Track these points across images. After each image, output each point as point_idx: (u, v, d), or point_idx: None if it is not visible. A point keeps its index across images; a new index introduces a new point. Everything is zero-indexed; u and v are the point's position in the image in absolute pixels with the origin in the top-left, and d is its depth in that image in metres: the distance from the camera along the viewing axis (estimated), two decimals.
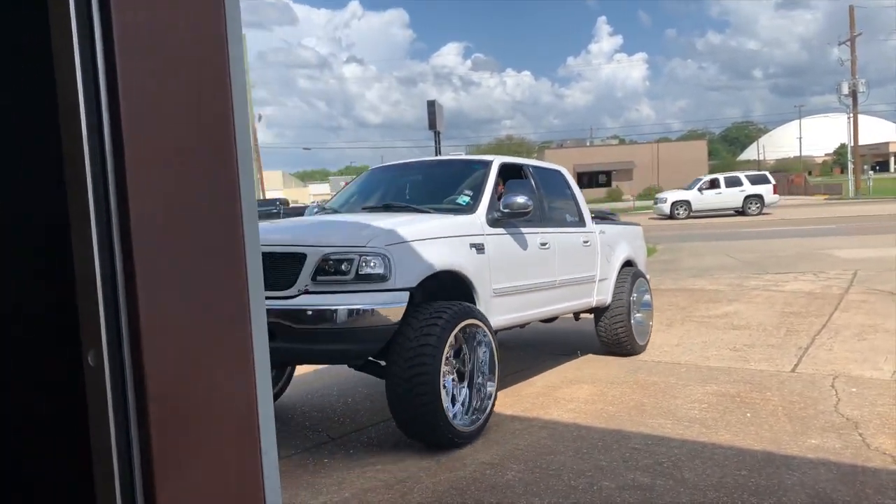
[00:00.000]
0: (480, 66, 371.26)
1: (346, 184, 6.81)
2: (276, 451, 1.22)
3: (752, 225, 25.67)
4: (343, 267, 4.11)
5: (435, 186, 5.99)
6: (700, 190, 32.79)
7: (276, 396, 5.64)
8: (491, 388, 4.69)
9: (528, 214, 5.27)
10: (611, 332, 6.69)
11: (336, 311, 3.99)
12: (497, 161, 5.78)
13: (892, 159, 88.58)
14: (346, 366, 4.94)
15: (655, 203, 34.41)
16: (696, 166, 66.75)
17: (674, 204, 32.64)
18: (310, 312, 4.01)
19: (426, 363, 4.02)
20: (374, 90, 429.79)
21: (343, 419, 5.21)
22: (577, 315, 6.94)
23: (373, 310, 4.05)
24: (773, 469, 3.75)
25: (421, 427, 4.17)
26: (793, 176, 60.21)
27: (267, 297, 3.26)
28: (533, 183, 5.93)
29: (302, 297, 4.08)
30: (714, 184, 33.05)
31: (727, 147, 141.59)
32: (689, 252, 16.88)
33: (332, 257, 4.13)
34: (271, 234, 4.71)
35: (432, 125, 52.22)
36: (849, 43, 44.70)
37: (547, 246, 5.75)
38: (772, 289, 10.54)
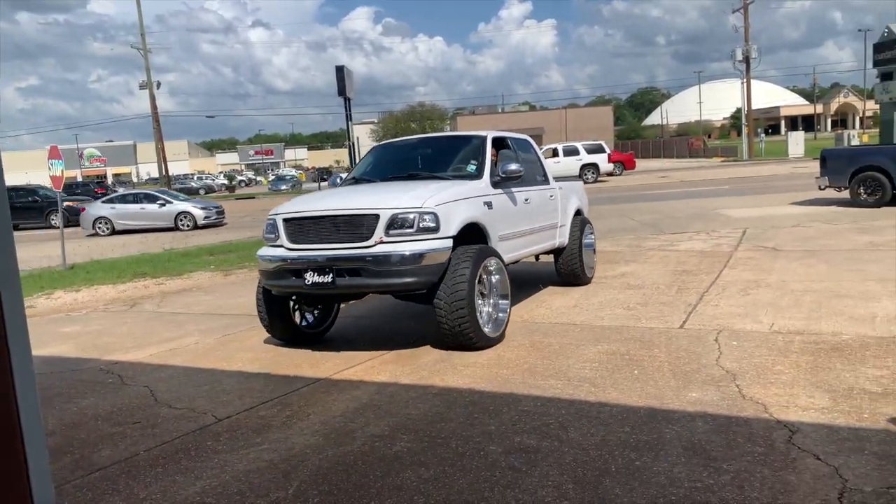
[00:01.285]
0: (392, 31, 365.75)
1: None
2: (45, 451, 1.06)
3: (653, 188, 26.58)
4: (407, 223, 5.56)
5: (443, 158, 7.39)
6: None
7: (325, 330, 6.80)
8: (505, 304, 6.18)
9: (520, 178, 6.80)
10: (568, 267, 8.28)
11: (407, 253, 5.46)
12: (490, 135, 7.26)
13: (782, 122, 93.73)
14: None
15: None
16: (603, 131, 68.60)
17: None
18: (388, 255, 5.47)
19: (464, 289, 5.50)
20: (283, 56, 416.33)
21: (231, 399, 5.01)
22: (537, 257, 8.20)
23: (431, 251, 5.53)
24: (654, 424, 3.85)
25: (462, 336, 5.60)
26: (692, 139, 62.75)
27: (351, 247, 5.54)
28: (514, 151, 7.32)
29: (378, 245, 5.53)
30: (554, 153, 34.21)
31: (633, 112, 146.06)
32: (593, 215, 17.28)
33: (400, 216, 5.57)
34: (349, 199, 6.02)
35: (342, 91, 50.84)
36: (742, 10, 46.58)
37: (528, 201, 7.25)
38: (667, 248, 10.92)
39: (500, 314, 6.10)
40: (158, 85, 46.93)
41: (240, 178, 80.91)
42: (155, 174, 63.09)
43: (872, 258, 8.73)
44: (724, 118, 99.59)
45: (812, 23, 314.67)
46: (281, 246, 6.01)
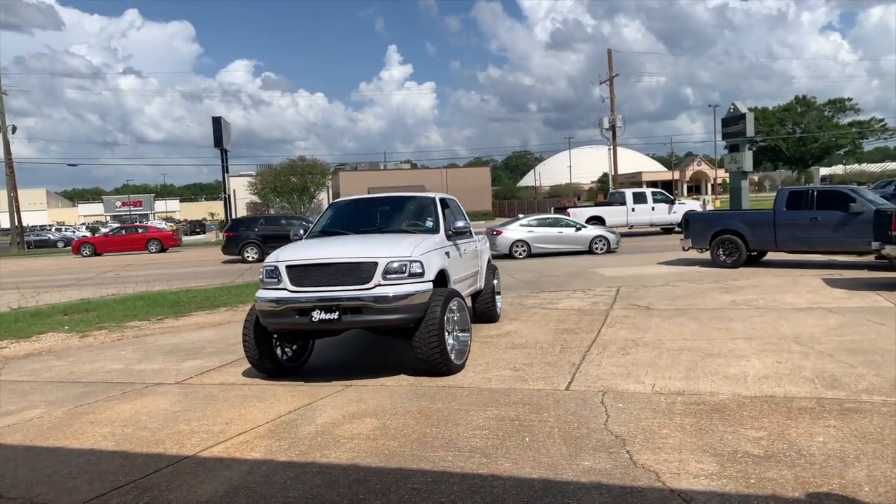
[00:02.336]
0: (271, 85, 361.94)
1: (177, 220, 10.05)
2: None
3: None
4: (401, 269, 6.61)
5: (400, 214, 8.57)
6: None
7: (303, 364, 7.51)
8: (465, 336, 7.36)
9: (466, 232, 8.49)
10: (484, 307, 9.72)
11: (402, 293, 6.52)
12: (438, 196, 8.63)
13: (644, 186, 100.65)
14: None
15: None
16: (482, 191, 70.80)
17: None
18: (386, 295, 6.49)
19: (436, 325, 6.54)
20: (155, 105, 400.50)
21: (79, 484, 4.36)
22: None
23: (419, 292, 6.61)
24: (549, 499, 3.68)
25: (434, 364, 6.66)
26: (564, 200, 65.89)
27: (354, 289, 6.42)
28: (454, 210, 9.00)
29: (377, 287, 6.53)
30: None
31: (508, 174, 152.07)
32: None
33: (395, 263, 6.62)
34: (344, 248, 7.02)
35: (218, 142, 49.55)
36: (608, 83, 50.10)
37: (466, 251, 8.64)
38: (548, 307, 11.08)
39: (462, 345, 7.24)
40: (14, 129, 43.59)
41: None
42: (6, 224, 57.90)
43: (736, 316, 9.23)
44: (593, 182, 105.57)
45: (667, 97, 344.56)
46: (284, 289, 6.72)
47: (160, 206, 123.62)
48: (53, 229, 69.43)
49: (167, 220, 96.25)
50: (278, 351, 7.21)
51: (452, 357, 6.86)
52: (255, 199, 60.01)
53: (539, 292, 12.93)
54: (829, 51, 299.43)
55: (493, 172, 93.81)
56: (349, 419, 5.49)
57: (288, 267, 6.78)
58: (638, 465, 4.12)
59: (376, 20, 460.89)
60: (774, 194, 15.97)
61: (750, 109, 34.47)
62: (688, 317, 9.43)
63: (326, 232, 8.22)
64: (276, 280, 6.80)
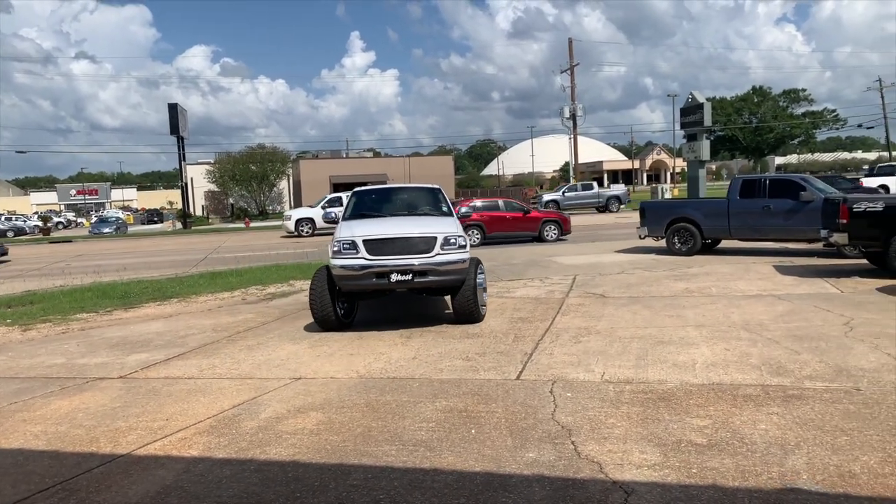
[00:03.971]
0: (230, 71, 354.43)
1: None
2: None
3: None
4: (452, 241, 8.53)
5: (420, 200, 10.41)
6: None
7: (352, 321, 9.17)
8: (485, 295, 9.40)
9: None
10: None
11: (456, 259, 8.45)
12: (439, 187, 10.71)
13: (605, 175, 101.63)
14: None
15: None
16: (445, 180, 70.53)
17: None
18: (446, 261, 8.39)
19: (472, 285, 8.61)
20: (111, 91, 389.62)
21: (2, 487, 4.15)
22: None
23: (466, 259, 8.58)
24: (490, 493, 3.62)
25: (472, 315, 8.71)
26: (526, 189, 66.14)
27: (420, 258, 8.36)
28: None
29: (437, 256, 8.37)
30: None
31: (472, 162, 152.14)
32: None
33: (449, 237, 8.53)
34: (410, 227, 8.73)
35: (174, 130, 48.56)
36: (569, 72, 50.29)
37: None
38: (504, 295, 11.05)
39: (483, 300, 9.17)
40: None
41: (57, 219, 73.62)
42: None
43: (689, 304, 9.32)
44: (555, 170, 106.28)
45: (627, 87, 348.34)
46: (362, 258, 8.40)
47: (117, 194, 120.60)
48: (3, 218, 67.18)
49: (124, 208, 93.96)
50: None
51: (482, 309, 8.98)
52: (213, 187, 58.85)
53: (496, 281, 12.88)
54: (784, 42, 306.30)
55: (456, 161, 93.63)
56: (294, 413, 5.35)
57: (365, 241, 8.46)
58: (582, 456, 4.09)
59: (337, 5, 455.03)
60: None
61: (708, 99, 34.95)
62: (641, 304, 9.48)
63: (364, 214, 9.81)
64: (354, 251, 8.45)
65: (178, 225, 50.07)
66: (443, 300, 10.46)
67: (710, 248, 15.98)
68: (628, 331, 7.80)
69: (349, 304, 9.10)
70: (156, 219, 65.07)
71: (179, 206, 53.82)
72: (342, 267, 8.44)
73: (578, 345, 7.24)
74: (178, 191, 53.60)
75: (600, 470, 3.85)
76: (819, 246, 14.30)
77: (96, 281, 15.81)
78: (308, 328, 9.12)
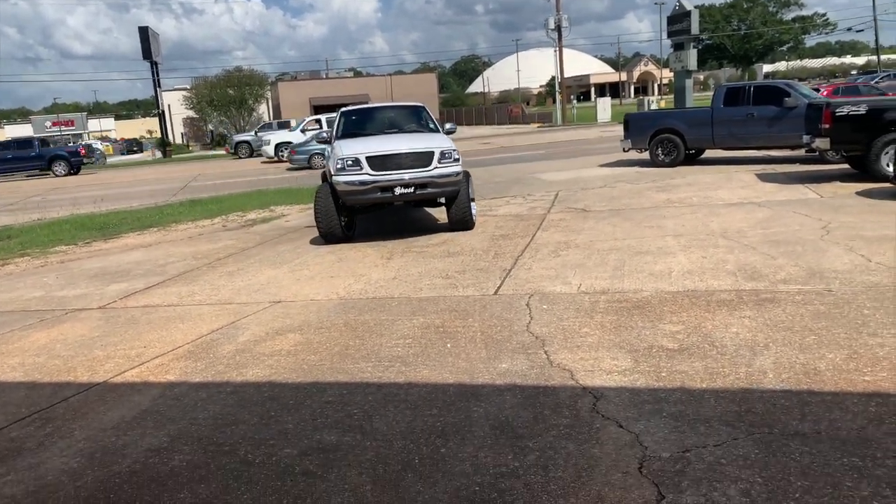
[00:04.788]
0: None
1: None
2: None
3: (476, 153, 27.08)
4: (449, 156, 9.11)
5: (408, 118, 10.84)
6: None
7: (353, 235, 9.70)
8: (474, 204, 9.88)
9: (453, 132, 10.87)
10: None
11: (454, 173, 9.09)
12: (425, 105, 11.19)
13: (592, 89, 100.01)
14: None
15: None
16: (429, 99, 69.07)
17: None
18: (444, 174, 9.03)
19: (465, 194, 9.32)
20: (79, 16, 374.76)
21: None
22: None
23: (461, 171, 9.26)
24: (463, 403, 3.66)
25: (466, 222, 9.43)
26: (512, 106, 65.03)
27: (420, 171, 8.97)
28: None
29: (435, 169, 9.01)
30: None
31: (457, 80, 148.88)
32: None
33: (445, 152, 9.11)
34: (409, 144, 9.30)
35: (147, 55, 47.00)
36: None
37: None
38: (487, 213, 10.99)
39: (473, 208, 9.74)
40: None
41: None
42: None
43: (669, 214, 9.31)
44: (541, 86, 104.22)
45: None
46: (366, 174, 8.91)
47: (94, 125, 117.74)
48: None
49: (102, 139, 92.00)
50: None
51: (474, 216, 9.67)
52: (191, 113, 57.51)
53: (479, 199, 12.77)
54: None
55: (441, 79, 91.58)
56: (272, 336, 5.37)
57: (368, 157, 8.95)
58: (554, 364, 4.13)
59: None
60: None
61: (695, 6, 34.01)
62: (622, 217, 9.46)
63: (356, 133, 10.19)
64: (357, 168, 8.93)
65: (158, 154, 49.20)
66: (425, 215, 10.41)
67: (693, 159, 15.87)
68: (607, 243, 7.80)
69: (349, 218, 9.62)
70: (135, 148, 63.84)
71: (158, 134, 52.74)
72: (347, 183, 8.95)
73: (557, 259, 7.25)
74: (157, 119, 52.42)
75: (571, 377, 3.89)
76: (802, 152, 14.23)
77: (74, 213, 15.61)
78: (289, 252, 9.08)
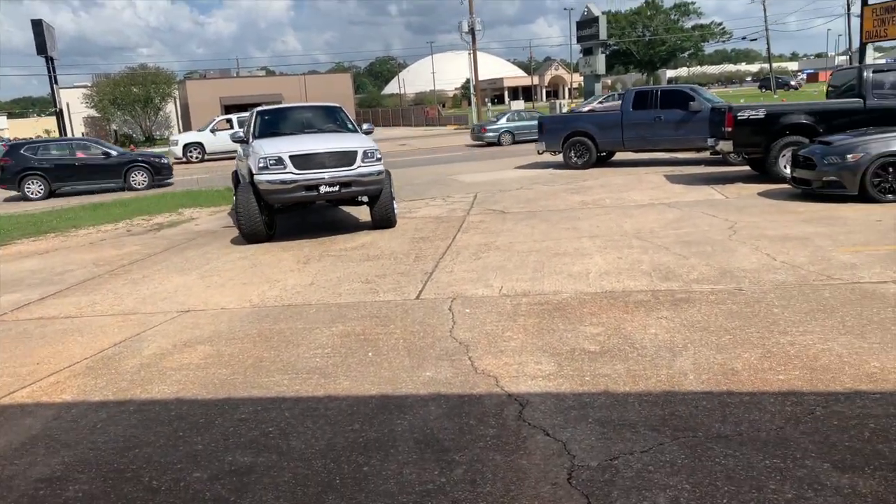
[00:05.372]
0: None
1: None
2: None
3: (393, 155, 26.91)
4: (371, 154, 9.23)
5: (326, 118, 10.84)
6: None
7: (273, 234, 9.55)
8: (395, 202, 10.02)
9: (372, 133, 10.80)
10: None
11: (375, 170, 9.19)
12: (342, 106, 11.28)
13: (506, 92, 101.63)
14: None
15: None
16: (344, 99, 68.10)
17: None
18: (368, 173, 9.14)
19: (388, 192, 9.51)
20: None
21: None
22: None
23: (383, 170, 9.35)
24: (385, 416, 3.52)
25: (390, 220, 9.65)
26: (428, 108, 65.17)
27: (344, 171, 9.02)
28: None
29: (359, 168, 9.09)
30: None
31: (373, 81, 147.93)
32: None
33: (368, 151, 9.23)
34: (332, 143, 9.35)
35: (41, 49, 43.86)
36: None
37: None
38: (406, 216, 10.86)
39: (395, 207, 9.92)
40: None
41: None
42: None
43: (584, 216, 9.47)
44: (456, 88, 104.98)
45: (525, 1, 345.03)
46: (290, 173, 8.86)
47: None
48: None
49: None
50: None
51: (396, 215, 9.86)
52: (93, 112, 54.52)
53: (399, 201, 12.63)
54: None
55: (356, 80, 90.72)
56: (180, 348, 5.05)
57: (291, 157, 8.91)
58: (478, 371, 4.05)
59: None
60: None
61: (603, 13, 35.07)
62: (539, 218, 9.55)
63: (275, 133, 10.07)
64: (281, 167, 8.87)
65: None
66: (343, 215, 10.18)
67: (605, 161, 16.29)
68: (526, 244, 7.84)
69: (270, 218, 9.47)
70: None
71: (57, 134, 49.67)
72: (270, 182, 8.88)
73: (478, 261, 7.21)
74: (54, 118, 49.39)
75: (496, 384, 3.82)
76: (706, 155, 14.85)
77: None
78: (198, 258, 8.66)
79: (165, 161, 19.81)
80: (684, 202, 9.99)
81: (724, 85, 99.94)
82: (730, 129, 11.16)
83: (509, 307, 5.39)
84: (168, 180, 19.55)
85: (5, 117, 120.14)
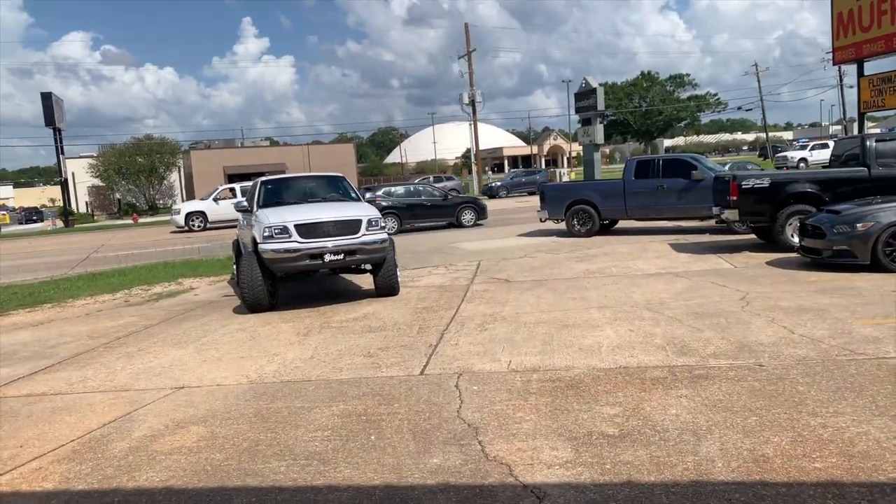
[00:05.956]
0: (112, 59, 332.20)
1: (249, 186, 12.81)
2: None
3: None
4: (375, 223, 9.36)
5: (329, 188, 10.97)
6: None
7: (276, 304, 9.46)
8: (398, 270, 10.04)
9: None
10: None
11: (380, 238, 9.30)
12: (344, 176, 11.50)
13: (505, 161, 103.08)
14: None
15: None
16: (346, 168, 69.00)
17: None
18: (372, 241, 9.21)
19: (392, 260, 9.65)
20: None
21: None
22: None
23: (387, 238, 9.51)
24: None
25: (393, 288, 9.65)
26: (429, 177, 65.85)
27: (349, 239, 9.11)
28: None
29: (363, 236, 9.16)
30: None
31: (375, 150, 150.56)
32: None
33: (372, 219, 9.36)
34: (336, 212, 9.41)
35: (50, 121, 44.86)
36: (467, 57, 50.29)
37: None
38: (409, 285, 10.68)
39: (398, 275, 9.90)
40: None
41: None
42: None
43: (591, 285, 9.27)
44: (457, 157, 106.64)
45: (524, 74, 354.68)
46: (294, 241, 8.91)
47: None
48: None
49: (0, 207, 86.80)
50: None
51: (400, 281, 9.90)
52: (97, 182, 55.12)
53: (401, 269, 12.47)
54: (668, 29, 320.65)
55: (359, 149, 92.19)
56: (172, 429, 4.78)
57: (297, 225, 8.97)
58: (490, 457, 3.78)
59: None
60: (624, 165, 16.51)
61: (600, 84, 35.79)
62: (545, 288, 9.36)
63: (279, 202, 10.17)
64: (286, 235, 8.91)
65: (59, 223, 46.57)
66: (345, 283, 9.98)
67: (608, 229, 16.24)
68: (533, 315, 7.62)
69: (273, 286, 9.43)
70: (35, 217, 60.34)
71: (61, 203, 50.05)
72: (274, 251, 8.90)
73: (484, 333, 6.98)
74: (59, 187, 49.89)
75: (510, 473, 3.55)
76: (711, 223, 14.78)
77: None
78: (195, 330, 8.42)
79: (484, 204, 22.66)
80: (692, 271, 9.82)
81: (720, 153, 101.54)
82: (735, 198, 11.10)
83: (519, 384, 5.14)
84: (483, 220, 21.92)
85: (11, 186, 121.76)
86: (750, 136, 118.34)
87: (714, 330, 6.36)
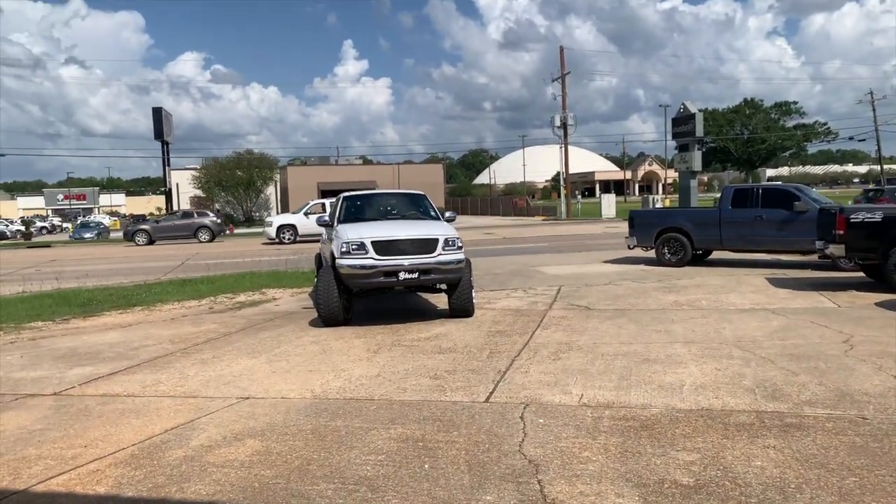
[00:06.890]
0: (221, 78, 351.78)
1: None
2: None
3: (477, 244, 26.77)
4: (452, 243, 9.19)
5: (410, 205, 11.08)
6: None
7: (351, 318, 9.52)
8: (474, 292, 9.80)
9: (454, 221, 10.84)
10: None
11: (456, 259, 9.13)
12: (425, 194, 11.38)
13: (597, 186, 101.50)
14: None
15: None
16: (435, 187, 69.76)
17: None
18: (448, 261, 9.07)
19: (468, 280, 9.41)
20: (101, 96, 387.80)
21: None
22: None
23: (464, 259, 9.30)
24: None
25: (467, 310, 9.46)
26: (517, 199, 65.65)
27: (424, 258, 9.00)
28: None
29: (439, 256, 9.05)
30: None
31: (465, 171, 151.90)
32: None
33: (449, 239, 9.20)
34: (413, 230, 9.36)
35: (159, 135, 47.85)
36: (560, 80, 49.88)
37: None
38: (485, 307, 10.45)
39: (473, 297, 9.73)
40: None
41: (41, 223, 72.62)
42: None
43: (677, 318, 8.74)
44: (546, 180, 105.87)
45: (619, 98, 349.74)
46: (370, 258, 8.91)
47: (105, 199, 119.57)
48: None
49: (112, 214, 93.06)
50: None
51: (474, 304, 9.68)
52: (199, 192, 58.03)
53: (478, 291, 12.27)
54: (775, 55, 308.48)
55: (449, 170, 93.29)
56: (229, 441, 4.72)
57: (374, 242, 8.97)
58: (548, 500, 3.48)
59: (328, 15, 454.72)
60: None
61: (699, 110, 34.60)
62: (627, 318, 8.90)
63: (358, 218, 10.26)
64: (363, 252, 8.94)
65: None
66: (420, 301, 9.85)
67: (700, 259, 15.45)
68: (612, 346, 7.21)
69: (348, 301, 9.44)
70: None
71: (165, 211, 52.97)
72: (351, 266, 8.94)
73: (557, 362, 6.65)
74: (164, 197, 52.83)
75: None
76: (813, 258, 13.78)
77: (58, 288, 15.10)
78: (270, 340, 8.49)
79: None
80: (790, 309, 9.10)
81: (828, 185, 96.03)
82: (841, 233, 10.26)
83: (589, 420, 4.80)
84: None
85: (124, 195, 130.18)
86: (862, 168, 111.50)
87: (811, 374, 5.77)
